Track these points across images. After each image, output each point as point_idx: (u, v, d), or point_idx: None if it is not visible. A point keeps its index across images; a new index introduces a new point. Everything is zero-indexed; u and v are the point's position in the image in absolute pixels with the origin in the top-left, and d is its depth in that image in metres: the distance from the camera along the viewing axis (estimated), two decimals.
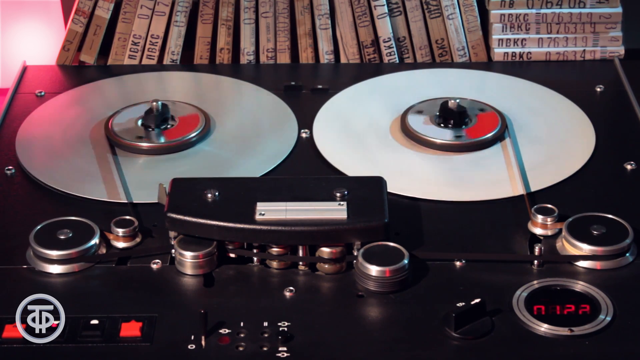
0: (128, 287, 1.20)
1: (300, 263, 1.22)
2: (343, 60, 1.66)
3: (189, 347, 1.11)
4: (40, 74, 1.63)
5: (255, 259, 1.23)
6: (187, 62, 1.66)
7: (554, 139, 1.45)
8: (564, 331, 1.12)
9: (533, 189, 1.34)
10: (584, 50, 1.64)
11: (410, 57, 1.65)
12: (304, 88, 1.57)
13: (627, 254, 1.22)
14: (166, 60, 1.65)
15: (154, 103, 1.45)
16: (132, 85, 1.59)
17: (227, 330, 1.13)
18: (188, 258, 1.21)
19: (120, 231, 1.25)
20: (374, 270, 1.18)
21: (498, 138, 1.44)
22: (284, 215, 1.21)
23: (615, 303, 1.16)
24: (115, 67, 1.64)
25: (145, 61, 1.64)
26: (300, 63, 1.66)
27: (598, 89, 1.56)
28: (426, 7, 1.63)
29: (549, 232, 1.26)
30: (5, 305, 1.16)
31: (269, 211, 1.22)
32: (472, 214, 1.31)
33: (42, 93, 1.57)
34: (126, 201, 1.33)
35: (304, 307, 1.17)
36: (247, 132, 1.47)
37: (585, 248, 1.22)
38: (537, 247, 1.23)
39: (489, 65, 1.64)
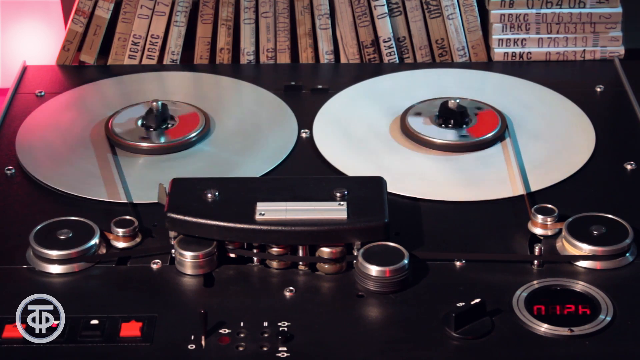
0: (128, 287, 1.20)
1: (300, 263, 1.22)
2: (343, 60, 1.66)
3: (189, 347, 1.11)
4: (40, 74, 1.63)
5: (255, 259, 1.23)
6: (187, 62, 1.66)
7: (554, 139, 1.45)
8: (564, 331, 1.12)
9: (533, 189, 1.34)
10: (584, 50, 1.64)
11: (410, 57, 1.65)
12: (304, 88, 1.57)
13: (627, 254, 1.22)
14: (166, 60, 1.65)
15: (154, 103, 1.45)
16: (132, 85, 1.59)
17: (227, 330, 1.13)
18: (188, 258, 1.21)
19: (120, 231, 1.25)
20: (374, 270, 1.18)
21: (498, 138, 1.44)
22: (284, 215, 1.21)
23: (615, 303, 1.16)
24: (115, 67, 1.64)
25: (145, 61, 1.64)
26: (300, 63, 1.66)
27: (598, 89, 1.56)
28: (426, 7, 1.63)
29: (549, 232, 1.26)
30: (5, 305, 1.16)
31: (269, 211, 1.22)
32: (472, 214, 1.31)
33: (42, 93, 1.57)
34: (126, 201, 1.33)
35: (304, 307, 1.17)
36: (247, 132, 1.47)
37: (585, 248, 1.22)
38: (537, 247, 1.23)
39: (489, 65, 1.64)
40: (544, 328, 1.13)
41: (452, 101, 1.45)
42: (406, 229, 1.27)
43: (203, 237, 1.22)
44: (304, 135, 1.46)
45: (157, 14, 1.63)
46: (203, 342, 1.12)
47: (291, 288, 1.19)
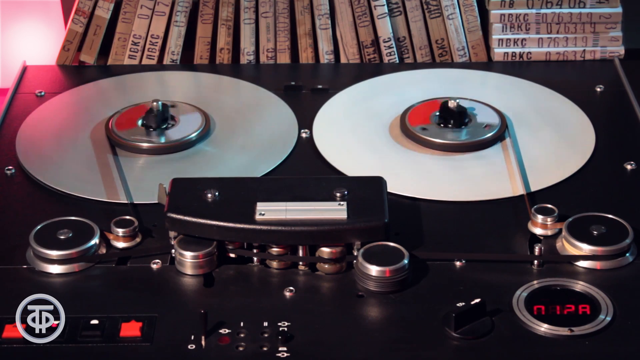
0: (128, 287, 1.20)
1: (300, 263, 1.22)
2: (343, 60, 1.66)
3: (189, 347, 1.11)
4: (40, 74, 1.63)
5: (255, 259, 1.23)
6: (187, 62, 1.66)
7: (554, 139, 1.45)
8: (564, 331, 1.12)
9: (533, 189, 1.34)
10: (584, 50, 1.64)
11: (410, 57, 1.65)
12: (304, 88, 1.57)
13: (627, 254, 1.22)
14: (166, 60, 1.65)
15: (154, 103, 1.45)
16: (132, 85, 1.59)
17: (227, 330, 1.13)
18: (188, 258, 1.21)
19: (120, 231, 1.25)
20: (374, 270, 1.18)
21: (498, 138, 1.44)
22: (284, 215, 1.21)
23: (615, 303, 1.16)
24: (115, 67, 1.64)
25: (145, 61, 1.64)
26: (300, 63, 1.66)
27: (598, 89, 1.56)
28: (426, 7, 1.63)
29: (549, 232, 1.26)
30: (5, 305, 1.16)
31: (269, 211, 1.22)
32: (472, 214, 1.31)
33: (42, 93, 1.57)
34: (126, 201, 1.33)
35: (304, 307, 1.17)
36: (247, 132, 1.47)
37: (585, 248, 1.22)
38: (537, 247, 1.23)
39: (489, 65, 1.64)
40: (544, 328, 1.13)
41: (452, 101, 1.45)
42: (406, 229, 1.27)
43: (203, 237, 1.22)
44: (304, 135, 1.46)
45: (157, 14, 1.63)
46: (203, 342, 1.12)
47: (291, 288, 1.19)
